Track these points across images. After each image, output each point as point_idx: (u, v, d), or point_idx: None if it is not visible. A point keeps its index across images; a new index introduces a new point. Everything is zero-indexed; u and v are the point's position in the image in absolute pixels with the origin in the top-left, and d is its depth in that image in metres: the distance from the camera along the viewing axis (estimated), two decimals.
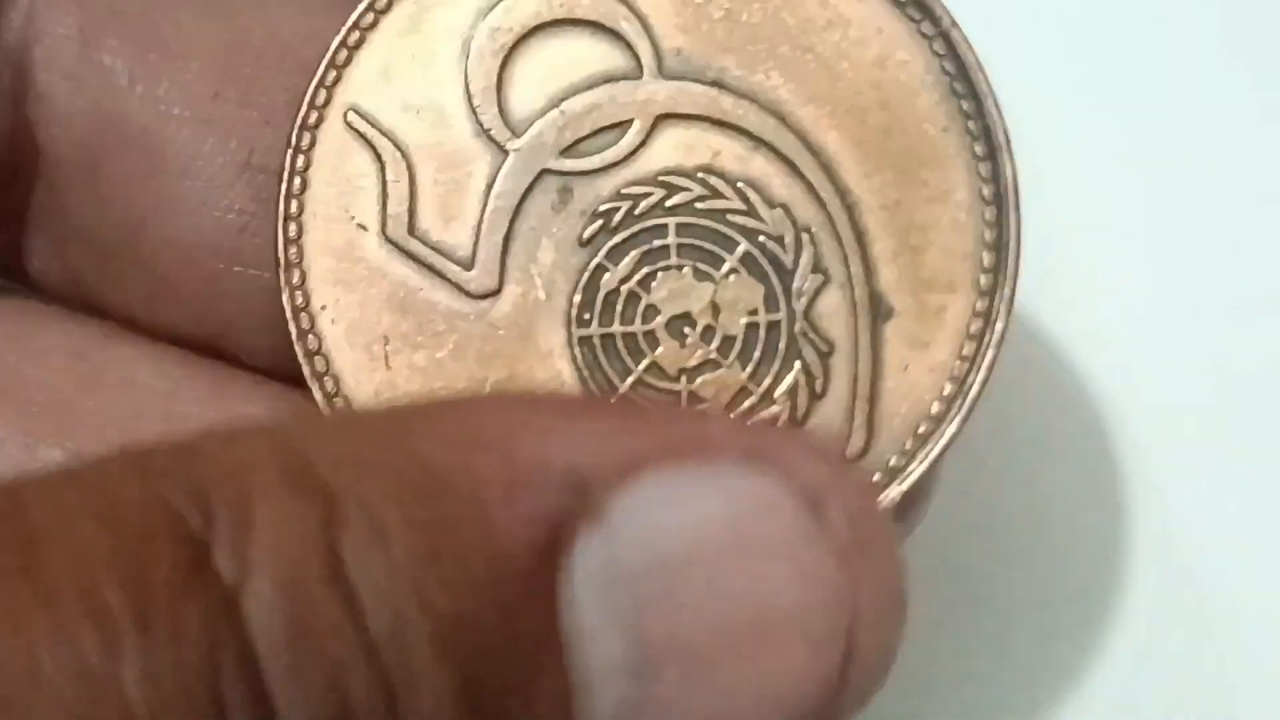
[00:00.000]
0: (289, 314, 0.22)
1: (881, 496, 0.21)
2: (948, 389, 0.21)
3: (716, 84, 0.22)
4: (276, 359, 0.24)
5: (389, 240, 0.22)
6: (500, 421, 0.16)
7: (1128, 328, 0.26)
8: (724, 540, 0.16)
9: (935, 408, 0.21)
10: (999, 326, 0.21)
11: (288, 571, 0.15)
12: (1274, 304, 0.26)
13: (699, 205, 0.22)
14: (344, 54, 0.22)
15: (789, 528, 0.16)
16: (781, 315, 0.22)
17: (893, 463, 0.21)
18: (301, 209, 0.22)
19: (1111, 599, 0.25)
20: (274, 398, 0.23)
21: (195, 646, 0.15)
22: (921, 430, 0.21)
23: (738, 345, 0.22)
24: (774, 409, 0.21)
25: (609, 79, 0.22)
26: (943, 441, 0.21)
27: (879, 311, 0.22)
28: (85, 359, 0.24)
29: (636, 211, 0.22)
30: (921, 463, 0.21)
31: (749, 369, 0.22)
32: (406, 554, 0.15)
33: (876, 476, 0.21)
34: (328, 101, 0.22)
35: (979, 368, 0.21)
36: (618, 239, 0.22)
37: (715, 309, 0.22)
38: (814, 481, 0.16)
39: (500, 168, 0.22)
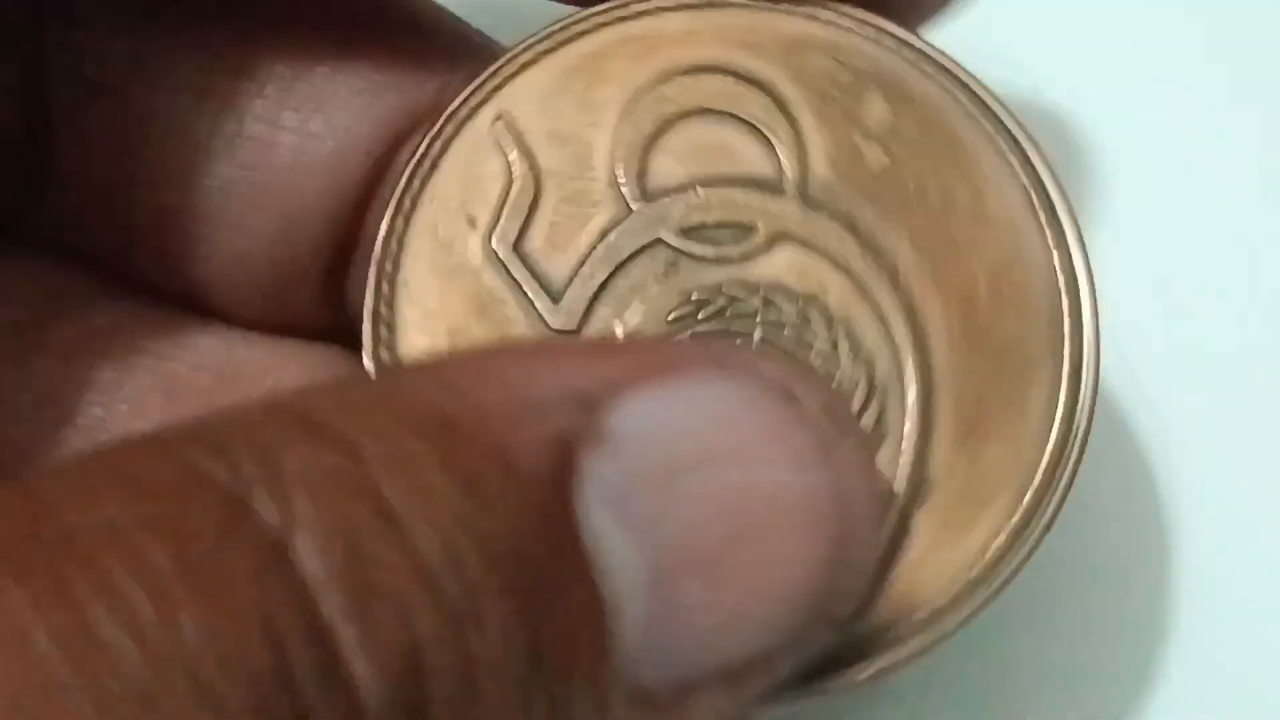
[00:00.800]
0: (372, 279, 0.22)
1: (869, 670, 0.21)
2: (957, 589, 0.21)
3: (849, 226, 0.22)
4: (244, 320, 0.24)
5: (492, 246, 0.22)
6: (494, 363, 0.17)
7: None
8: (716, 439, 0.17)
9: (939, 601, 0.21)
10: (1028, 547, 0.21)
11: (335, 515, 0.15)
12: None
13: (788, 329, 0.22)
14: (512, 66, 0.23)
15: (771, 417, 0.17)
16: None
17: (884, 638, 0.21)
18: (422, 190, 0.22)
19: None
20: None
21: (249, 598, 0.15)
22: (919, 618, 0.21)
23: None
24: None
25: (751, 182, 0.22)
26: (935, 636, 0.21)
27: (918, 492, 0.22)
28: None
29: (729, 312, 0.22)
30: (908, 650, 0.21)
31: None
32: (444, 486, 0.15)
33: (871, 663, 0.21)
34: (482, 103, 0.23)
35: (995, 578, 0.21)
36: (703, 329, 0.22)
37: None
38: (782, 378, 0.18)
39: (620, 222, 0.22)
